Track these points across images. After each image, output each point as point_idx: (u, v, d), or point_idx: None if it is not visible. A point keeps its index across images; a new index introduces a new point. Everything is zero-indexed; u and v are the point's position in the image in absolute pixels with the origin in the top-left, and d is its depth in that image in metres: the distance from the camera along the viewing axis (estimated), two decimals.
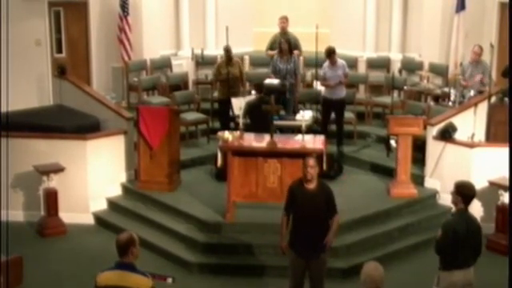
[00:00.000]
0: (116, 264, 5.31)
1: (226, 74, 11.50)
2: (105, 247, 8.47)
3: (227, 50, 11.70)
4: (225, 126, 10.97)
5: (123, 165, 10.27)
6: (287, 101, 11.33)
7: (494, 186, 9.23)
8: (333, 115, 11.29)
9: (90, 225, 9.93)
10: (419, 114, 10.76)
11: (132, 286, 5.20)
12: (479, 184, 9.44)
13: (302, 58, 12.73)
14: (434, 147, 10.02)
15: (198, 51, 12.85)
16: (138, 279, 5.23)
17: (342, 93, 11.25)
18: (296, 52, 12.12)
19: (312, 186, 6.89)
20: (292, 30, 12.42)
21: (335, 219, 6.96)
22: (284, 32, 12.22)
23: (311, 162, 6.83)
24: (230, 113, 11.15)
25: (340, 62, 11.24)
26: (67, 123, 10.45)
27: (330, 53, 11.07)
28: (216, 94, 12.21)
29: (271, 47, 12.20)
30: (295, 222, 6.96)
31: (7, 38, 10.55)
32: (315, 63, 11.67)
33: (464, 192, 6.31)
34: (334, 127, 11.35)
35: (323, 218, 6.88)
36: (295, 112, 11.35)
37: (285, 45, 11.46)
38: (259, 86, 10.65)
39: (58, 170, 9.62)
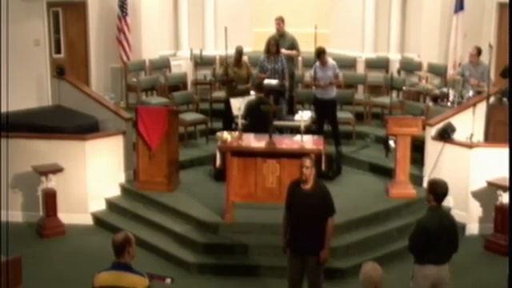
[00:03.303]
0: (112, 264, 5.30)
1: (233, 73, 11.46)
2: (104, 248, 8.40)
3: (238, 52, 11.64)
4: (227, 126, 10.94)
5: (122, 165, 10.27)
6: (283, 101, 11.33)
7: (493, 187, 9.24)
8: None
9: (88, 225, 9.93)
10: (418, 115, 10.76)
11: (128, 286, 5.20)
12: (478, 184, 9.49)
13: (299, 58, 12.72)
14: (432, 147, 10.02)
15: (196, 52, 12.86)
16: (134, 279, 5.23)
17: (333, 93, 11.20)
18: (294, 52, 12.11)
19: (308, 186, 6.90)
20: (291, 30, 12.36)
21: (329, 224, 6.95)
22: (281, 33, 12.19)
23: (306, 162, 6.85)
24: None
25: (331, 62, 11.19)
26: (66, 123, 10.46)
27: (320, 53, 11.03)
28: (215, 94, 12.19)
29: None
30: (292, 221, 6.98)
31: (7, 39, 10.54)
32: (314, 64, 11.66)
33: (435, 189, 6.36)
34: (330, 127, 11.36)
35: (319, 218, 6.89)
36: (291, 112, 11.36)
37: (273, 47, 11.45)
38: (260, 86, 10.64)
39: (57, 170, 9.62)
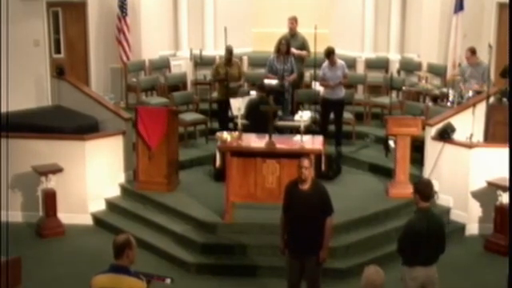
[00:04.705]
0: (110, 267, 5.21)
1: (224, 74, 11.51)
2: (103, 248, 8.42)
3: (229, 51, 11.69)
4: (223, 127, 10.98)
5: (122, 165, 10.27)
6: (284, 101, 11.35)
7: (493, 187, 9.24)
8: (332, 115, 11.31)
9: (88, 225, 9.93)
10: (418, 115, 10.76)
11: None
12: (477, 184, 9.49)
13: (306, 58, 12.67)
14: (432, 148, 10.01)
15: (196, 52, 12.86)
16: (131, 282, 5.13)
17: (342, 93, 11.29)
18: (304, 53, 12.11)
19: (306, 186, 6.90)
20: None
21: (328, 224, 6.96)
22: (293, 33, 12.20)
23: (305, 162, 6.85)
24: (229, 113, 11.15)
25: (339, 62, 11.28)
26: (66, 124, 10.46)
27: (330, 53, 11.11)
28: (214, 95, 12.22)
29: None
30: (290, 222, 6.98)
31: (7, 39, 10.55)
32: (314, 64, 11.67)
33: (421, 190, 6.35)
34: (332, 127, 11.37)
35: (318, 218, 6.89)
36: (293, 112, 11.37)
37: (284, 46, 11.47)
38: (262, 86, 10.65)
39: (57, 170, 9.62)
